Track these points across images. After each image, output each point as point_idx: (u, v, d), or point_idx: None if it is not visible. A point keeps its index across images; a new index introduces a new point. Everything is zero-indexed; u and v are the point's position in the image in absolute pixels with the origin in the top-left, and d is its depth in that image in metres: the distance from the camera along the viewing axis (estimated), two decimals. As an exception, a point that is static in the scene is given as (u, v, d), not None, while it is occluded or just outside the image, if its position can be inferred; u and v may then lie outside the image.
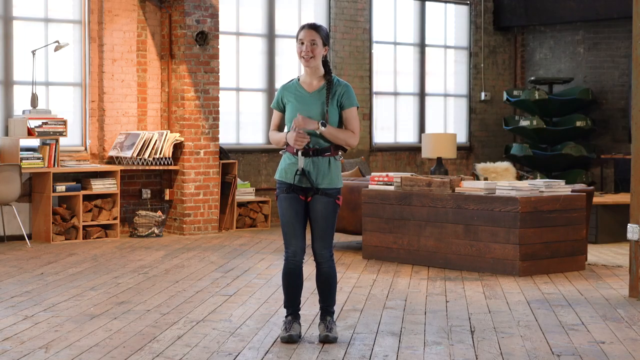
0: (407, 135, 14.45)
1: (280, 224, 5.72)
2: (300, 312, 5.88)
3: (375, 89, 13.99)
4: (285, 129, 5.75)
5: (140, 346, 5.61)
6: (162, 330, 6.04)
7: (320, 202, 5.64)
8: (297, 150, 5.63)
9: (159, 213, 11.22)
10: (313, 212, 5.66)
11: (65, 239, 10.58)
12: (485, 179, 12.23)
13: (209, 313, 6.61)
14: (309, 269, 7.59)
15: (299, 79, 5.78)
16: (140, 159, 11.13)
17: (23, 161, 10.34)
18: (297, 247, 5.67)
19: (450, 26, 14.96)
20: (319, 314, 5.85)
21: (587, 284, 7.93)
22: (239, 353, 5.46)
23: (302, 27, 5.72)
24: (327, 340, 5.69)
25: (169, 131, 11.31)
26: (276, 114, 5.82)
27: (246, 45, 12.72)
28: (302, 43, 5.65)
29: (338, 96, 5.68)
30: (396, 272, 8.54)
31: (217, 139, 11.61)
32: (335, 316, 6.03)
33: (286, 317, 5.79)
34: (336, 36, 13.41)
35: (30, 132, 10.45)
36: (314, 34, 5.65)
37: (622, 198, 10.82)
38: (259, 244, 10.47)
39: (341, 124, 5.73)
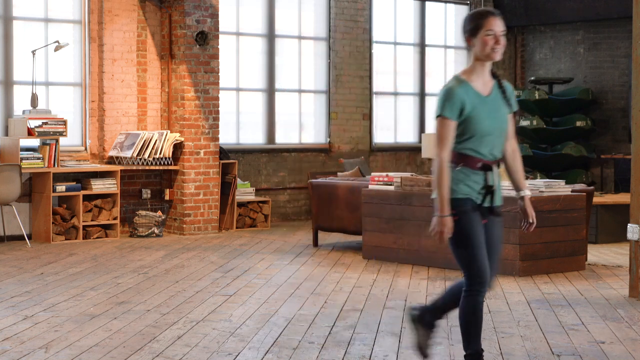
0: (407, 135, 14.45)
1: (466, 247, 4.76)
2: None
3: (375, 89, 13.99)
4: (473, 145, 4.69)
5: (140, 346, 5.61)
6: (162, 330, 6.03)
7: (497, 224, 4.81)
8: (486, 164, 4.69)
9: (159, 213, 11.21)
10: (490, 237, 4.79)
11: (65, 239, 10.58)
12: (485, 179, 12.21)
13: (209, 313, 6.61)
14: (316, 272, 7.58)
15: (465, 80, 4.63)
16: (140, 159, 11.12)
17: (23, 161, 10.33)
18: (489, 275, 4.85)
19: (450, 26, 14.96)
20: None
21: (587, 284, 7.93)
22: (239, 353, 5.46)
23: (486, 15, 4.60)
24: None
25: (169, 131, 11.31)
26: (453, 126, 4.62)
27: (246, 45, 12.71)
28: (490, 34, 4.56)
29: (509, 98, 4.74)
30: (396, 272, 8.54)
31: (217, 139, 11.60)
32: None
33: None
34: (336, 36, 13.41)
35: (30, 132, 10.45)
36: (502, 24, 4.62)
37: (622, 198, 10.81)
38: (259, 244, 10.46)
39: None
